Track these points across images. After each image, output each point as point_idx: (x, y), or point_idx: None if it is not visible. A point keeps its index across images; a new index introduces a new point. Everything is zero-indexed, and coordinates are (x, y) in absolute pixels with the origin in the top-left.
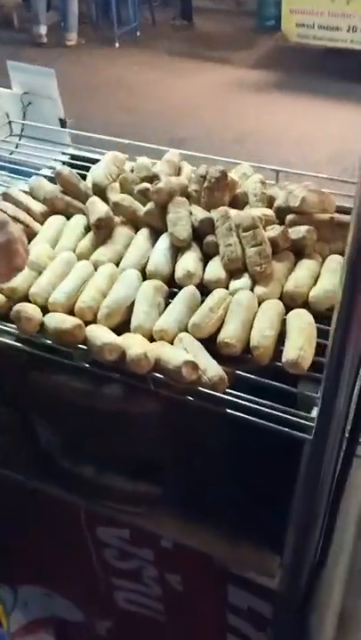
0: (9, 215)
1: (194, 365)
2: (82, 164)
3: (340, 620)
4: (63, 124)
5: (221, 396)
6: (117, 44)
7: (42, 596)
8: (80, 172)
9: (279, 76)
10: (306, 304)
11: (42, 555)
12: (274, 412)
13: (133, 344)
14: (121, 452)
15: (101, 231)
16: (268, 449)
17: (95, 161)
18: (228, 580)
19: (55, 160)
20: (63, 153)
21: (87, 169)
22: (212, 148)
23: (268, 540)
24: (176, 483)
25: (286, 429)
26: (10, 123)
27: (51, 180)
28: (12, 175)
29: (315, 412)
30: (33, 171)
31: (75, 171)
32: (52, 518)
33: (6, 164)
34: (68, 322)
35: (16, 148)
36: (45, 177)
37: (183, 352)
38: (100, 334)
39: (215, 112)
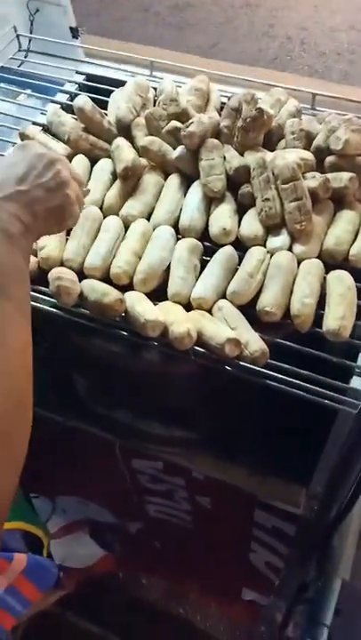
0: None
1: (237, 342)
2: (99, 87)
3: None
4: (75, 33)
5: (263, 370)
6: None
7: (77, 504)
8: (98, 97)
9: None
10: (346, 259)
11: (78, 473)
12: (313, 386)
13: (175, 319)
14: (157, 402)
15: (129, 181)
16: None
17: (113, 81)
18: (255, 505)
19: (70, 82)
20: (77, 72)
21: (105, 92)
22: (221, 15)
23: (296, 474)
24: (209, 428)
25: (328, 402)
26: (18, 37)
27: (66, 108)
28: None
29: (354, 382)
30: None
31: (93, 96)
32: (87, 448)
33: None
34: (109, 296)
35: (19, 66)
36: (60, 104)
37: (226, 328)
38: (142, 310)
39: None
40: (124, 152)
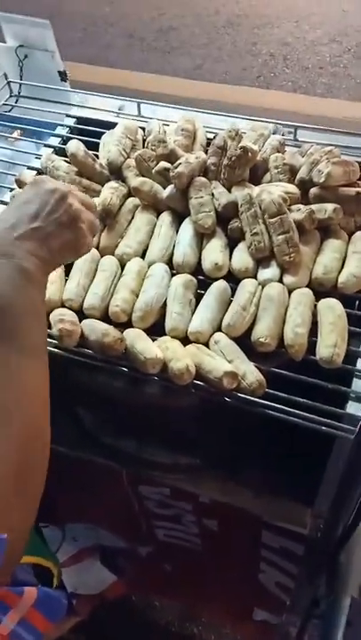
0: None
1: (234, 375)
2: (90, 130)
3: None
4: (63, 76)
5: (260, 401)
6: None
7: (87, 530)
8: (89, 139)
9: None
10: (335, 287)
11: (86, 500)
12: (309, 414)
13: (174, 355)
14: (160, 432)
15: (108, 220)
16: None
17: (103, 123)
18: (262, 526)
19: (61, 125)
20: (68, 115)
21: (95, 134)
22: (204, 36)
23: (301, 495)
24: (213, 453)
25: (325, 428)
26: (9, 83)
27: (59, 151)
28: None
29: (350, 407)
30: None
31: (84, 138)
32: (94, 476)
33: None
34: (109, 336)
35: (10, 111)
36: (53, 148)
37: (223, 362)
38: (142, 348)
39: None
40: (102, 194)
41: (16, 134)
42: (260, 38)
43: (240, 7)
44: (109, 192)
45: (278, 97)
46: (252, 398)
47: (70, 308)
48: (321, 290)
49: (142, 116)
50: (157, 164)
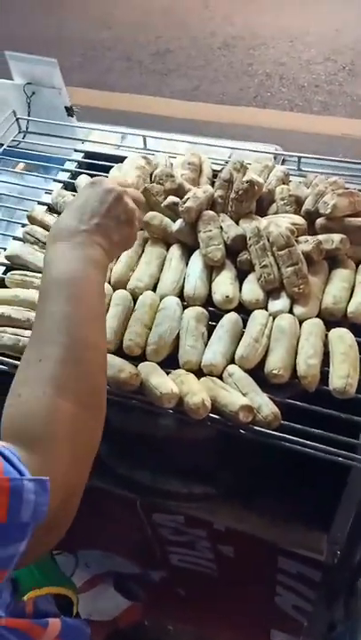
0: (40, 241)
1: (250, 408)
2: (98, 164)
3: None
4: (70, 112)
5: (276, 433)
6: None
7: (100, 557)
8: (97, 173)
9: None
10: (345, 316)
11: (99, 526)
12: (325, 446)
13: (189, 390)
14: (175, 462)
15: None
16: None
17: (110, 157)
18: (277, 553)
19: (70, 160)
20: (76, 150)
21: (103, 167)
22: (200, 58)
23: (316, 521)
24: (228, 482)
25: (341, 459)
26: (17, 120)
27: (68, 185)
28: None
29: None
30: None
31: (92, 172)
32: (108, 504)
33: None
34: (124, 371)
35: (18, 145)
36: (62, 182)
37: (239, 395)
38: (157, 382)
39: (198, 16)
40: None
41: (20, 167)
42: (256, 59)
43: (235, 29)
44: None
45: (276, 116)
46: (268, 431)
47: None
48: (331, 319)
49: (148, 149)
50: (166, 197)
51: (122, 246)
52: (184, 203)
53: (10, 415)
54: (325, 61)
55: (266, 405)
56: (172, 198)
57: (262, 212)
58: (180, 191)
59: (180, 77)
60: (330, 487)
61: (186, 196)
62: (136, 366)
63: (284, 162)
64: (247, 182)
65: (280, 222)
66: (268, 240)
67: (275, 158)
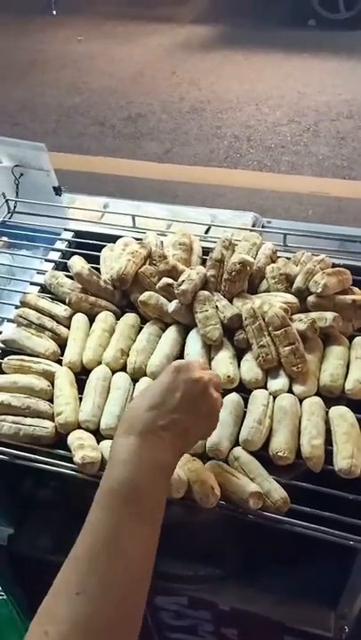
0: (34, 324)
1: (260, 495)
2: (89, 243)
3: None
4: (58, 191)
5: (285, 519)
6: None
7: None
8: (88, 252)
9: (226, 30)
10: (342, 391)
11: None
12: (333, 530)
13: (198, 478)
14: (181, 546)
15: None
16: None
17: (100, 236)
18: (283, 632)
19: (60, 239)
20: (66, 229)
21: (94, 247)
22: (171, 122)
23: (323, 598)
24: (234, 563)
25: (352, 543)
26: (7, 201)
27: (59, 264)
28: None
29: None
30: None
31: (83, 252)
32: None
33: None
34: None
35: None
36: (54, 263)
37: (248, 481)
38: None
39: (167, 82)
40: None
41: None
42: (224, 122)
43: (203, 94)
44: (126, 259)
45: (246, 176)
46: (277, 516)
47: (87, 429)
48: (330, 396)
49: (137, 228)
50: (159, 278)
51: (198, 440)
52: (179, 285)
53: None
54: (290, 123)
55: (275, 491)
56: (166, 280)
57: (253, 289)
58: (173, 272)
59: (153, 140)
60: (336, 563)
61: (181, 279)
62: None
63: (263, 225)
64: (240, 263)
65: (273, 302)
66: (264, 320)
67: (253, 225)
